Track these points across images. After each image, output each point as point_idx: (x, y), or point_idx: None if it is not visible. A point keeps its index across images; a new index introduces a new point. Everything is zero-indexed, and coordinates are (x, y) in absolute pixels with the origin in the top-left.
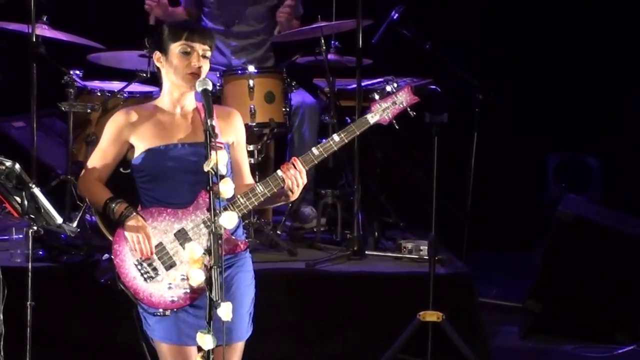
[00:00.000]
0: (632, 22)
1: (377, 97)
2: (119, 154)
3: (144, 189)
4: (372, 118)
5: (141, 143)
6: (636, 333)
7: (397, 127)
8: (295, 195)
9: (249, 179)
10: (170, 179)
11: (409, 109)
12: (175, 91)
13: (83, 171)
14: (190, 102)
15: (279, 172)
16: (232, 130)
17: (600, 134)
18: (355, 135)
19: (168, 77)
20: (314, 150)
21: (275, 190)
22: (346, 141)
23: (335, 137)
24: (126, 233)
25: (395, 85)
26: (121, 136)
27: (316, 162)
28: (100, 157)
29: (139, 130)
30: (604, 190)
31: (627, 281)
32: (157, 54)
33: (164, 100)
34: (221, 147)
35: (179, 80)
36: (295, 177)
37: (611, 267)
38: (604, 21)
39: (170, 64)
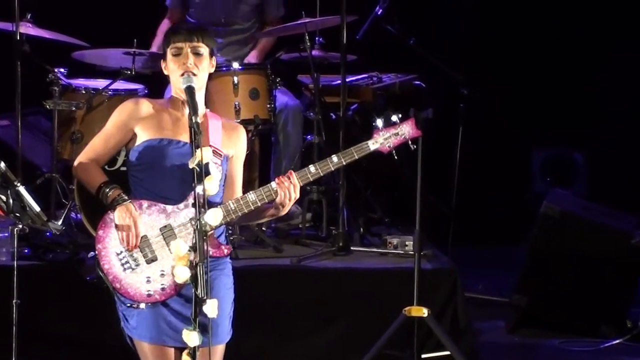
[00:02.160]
0: (614, 18)
1: (380, 124)
2: (122, 141)
3: (137, 179)
4: (372, 145)
5: (144, 133)
6: (622, 327)
7: (396, 157)
8: (284, 211)
9: (239, 193)
10: (164, 173)
11: (410, 142)
12: (182, 95)
13: (82, 152)
14: (200, 106)
15: (272, 183)
16: (234, 144)
17: (585, 130)
18: (354, 159)
19: (171, 82)
20: (311, 167)
21: (266, 200)
22: (344, 163)
23: (334, 158)
24: (116, 220)
25: (399, 116)
26: (128, 124)
27: (311, 179)
28: (103, 141)
29: (145, 121)
30: (589, 185)
31: (612, 275)
32: (163, 63)
33: (171, 102)
34: (219, 155)
35: (178, 84)
36: (289, 189)
37: (597, 261)
38: (588, 19)
39: (169, 69)
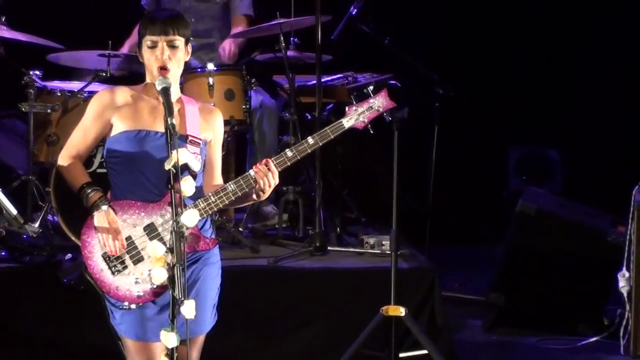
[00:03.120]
0: (586, 18)
1: (353, 100)
2: (100, 132)
3: (115, 172)
4: (347, 122)
5: (120, 124)
6: (599, 324)
7: (371, 132)
8: (265, 196)
9: (219, 178)
10: (141, 165)
11: (385, 114)
12: (154, 85)
13: (64, 148)
14: (175, 92)
15: (251, 172)
16: (212, 128)
17: (560, 127)
18: (329, 138)
19: (146, 69)
20: (288, 152)
21: (246, 189)
22: (320, 144)
23: (310, 139)
24: (96, 225)
25: (371, 88)
26: (104, 114)
27: (289, 163)
28: (81, 135)
29: (121, 111)
30: (565, 182)
31: (588, 272)
32: (137, 51)
33: (148, 89)
34: (198, 144)
35: (152, 75)
36: (267, 177)
37: (572, 259)
38: (561, 18)
39: (145, 60)
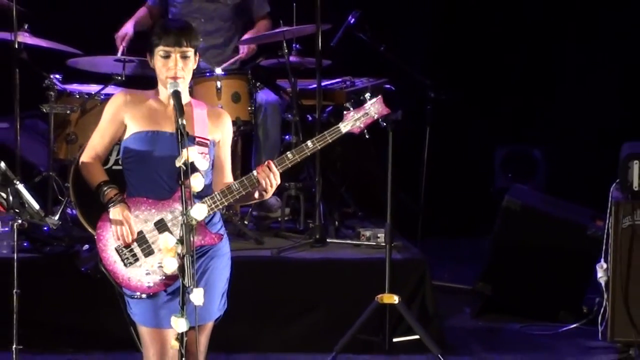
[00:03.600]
0: (567, 21)
1: (350, 107)
2: (116, 133)
3: (129, 171)
4: (344, 127)
5: (133, 125)
6: (578, 312)
7: (367, 136)
8: (269, 194)
9: (229, 176)
10: (153, 164)
11: (380, 120)
12: (165, 89)
13: (84, 150)
14: (185, 96)
15: (254, 172)
16: (220, 129)
17: (543, 129)
18: (327, 142)
19: (157, 75)
20: (289, 154)
21: (249, 188)
22: (319, 147)
23: (309, 143)
24: (110, 218)
25: (368, 95)
26: (118, 116)
27: (289, 165)
28: (99, 136)
29: (134, 113)
30: (547, 179)
31: (569, 263)
32: (148, 55)
33: (159, 92)
34: (206, 144)
35: (164, 83)
36: (269, 178)
37: (555, 251)
38: (542, 23)
39: (156, 67)
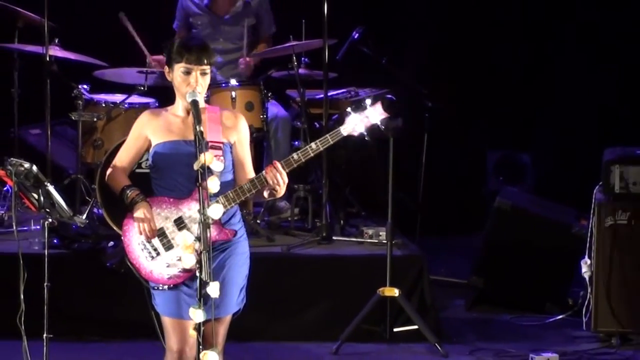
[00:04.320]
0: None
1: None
2: (141, 149)
3: (154, 178)
4: (344, 130)
5: (155, 139)
6: (564, 304)
7: (367, 138)
8: (281, 192)
9: (251, 173)
10: (173, 170)
11: (379, 123)
12: (183, 101)
13: (112, 163)
14: (200, 102)
15: (263, 172)
16: (235, 131)
17: (532, 135)
18: (329, 144)
19: (175, 90)
20: (294, 155)
21: (259, 187)
22: (321, 149)
23: (313, 145)
24: (134, 216)
25: (369, 101)
26: (142, 133)
27: (295, 165)
28: (125, 151)
29: (155, 129)
30: (536, 182)
31: (555, 259)
32: (166, 69)
33: (177, 106)
34: (219, 147)
35: (181, 95)
36: (275, 177)
37: (542, 248)
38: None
39: (176, 80)
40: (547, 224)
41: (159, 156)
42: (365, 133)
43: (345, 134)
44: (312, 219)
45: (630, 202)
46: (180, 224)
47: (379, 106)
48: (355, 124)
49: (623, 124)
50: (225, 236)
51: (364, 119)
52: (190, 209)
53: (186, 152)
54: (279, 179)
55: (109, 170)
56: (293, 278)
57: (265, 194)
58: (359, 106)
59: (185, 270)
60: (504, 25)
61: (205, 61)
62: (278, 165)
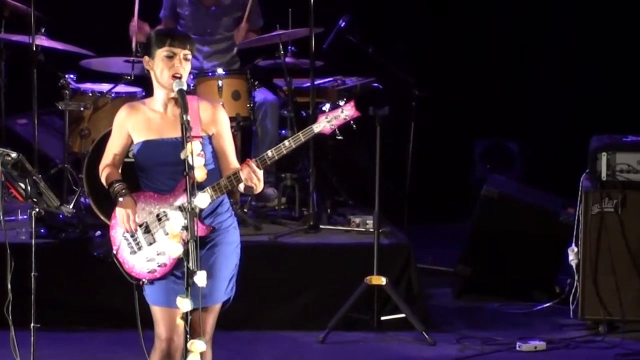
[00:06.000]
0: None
1: (327, 110)
2: (125, 144)
3: (139, 174)
4: (316, 128)
5: (135, 136)
6: (551, 292)
7: (339, 137)
8: (258, 189)
9: (234, 162)
10: (153, 170)
11: (351, 122)
12: (162, 93)
13: (102, 159)
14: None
15: (239, 170)
16: (213, 123)
17: (520, 123)
18: (302, 142)
19: (156, 80)
20: (269, 152)
21: (235, 184)
22: (294, 147)
23: (286, 142)
24: (116, 209)
25: (343, 101)
26: (123, 129)
27: (269, 162)
28: (111, 148)
29: (134, 125)
30: (523, 170)
31: (543, 247)
32: (146, 58)
33: (154, 101)
34: (198, 139)
35: (164, 81)
36: (249, 176)
37: (529, 236)
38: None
39: (157, 67)
40: (534, 212)
41: (140, 155)
42: (337, 131)
43: (317, 131)
44: (300, 208)
45: (617, 189)
46: (162, 218)
47: (352, 105)
48: (327, 122)
49: (610, 111)
50: (203, 232)
51: (335, 117)
52: (172, 203)
53: (165, 152)
54: (252, 177)
55: (100, 168)
56: (280, 267)
57: (241, 187)
58: (334, 105)
59: (165, 265)
60: (491, 12)
61: (188, 46)
62: (252, 163)
